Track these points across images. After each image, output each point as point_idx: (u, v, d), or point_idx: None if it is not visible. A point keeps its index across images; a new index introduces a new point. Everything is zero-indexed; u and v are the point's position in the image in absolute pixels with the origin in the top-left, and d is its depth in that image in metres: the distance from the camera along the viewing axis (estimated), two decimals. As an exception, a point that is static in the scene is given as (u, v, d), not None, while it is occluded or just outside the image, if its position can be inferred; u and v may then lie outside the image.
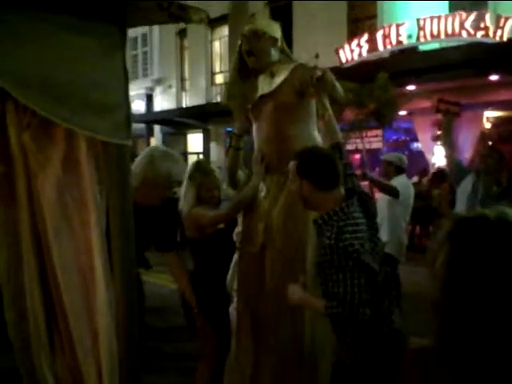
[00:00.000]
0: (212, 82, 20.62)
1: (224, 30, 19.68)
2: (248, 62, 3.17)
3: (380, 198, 5.62)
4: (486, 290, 0.95)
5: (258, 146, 3.25)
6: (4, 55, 1.32)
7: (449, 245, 1.01)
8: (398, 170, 5.34)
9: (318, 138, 3.17)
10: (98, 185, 1.69)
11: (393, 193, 5.20)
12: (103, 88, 1.45)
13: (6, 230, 1.91)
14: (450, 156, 5.53)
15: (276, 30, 3.17)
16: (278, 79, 3.09)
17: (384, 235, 4.64)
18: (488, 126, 13.16)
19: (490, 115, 13.12)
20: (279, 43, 3.19)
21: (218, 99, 19.40)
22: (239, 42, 3.20)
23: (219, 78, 20.42)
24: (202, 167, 3.49)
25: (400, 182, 5.31)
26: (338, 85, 3.00)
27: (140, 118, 22.10)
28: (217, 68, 20.66)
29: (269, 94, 3.11)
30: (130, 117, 1.50)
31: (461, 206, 5.19)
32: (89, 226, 1.72)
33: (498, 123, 13.13)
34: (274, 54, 3.15)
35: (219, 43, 20.22)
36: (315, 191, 2.46)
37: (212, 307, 3.25)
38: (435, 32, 12.09)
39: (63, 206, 1.75)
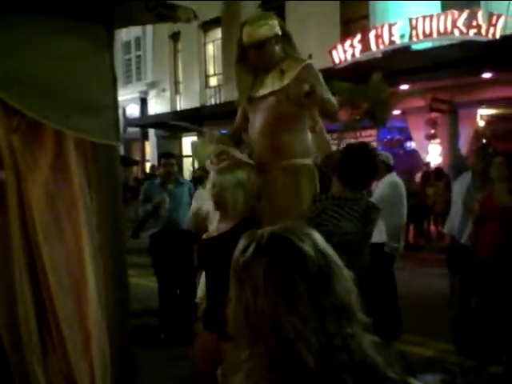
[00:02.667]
0: (206, 85, 20.61)
1: (217, 33, 19.71)
2: (255, 61, 3.12)
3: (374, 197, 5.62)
4: None
5: (250, 141, 3.23)
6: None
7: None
8: (388, 168, 5.36)
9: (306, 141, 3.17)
10: (87, 187, 1.67)
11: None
12: (91, 88, 1.44)
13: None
14: (454, 152, 5.55)
15: (274, 25, 3.07)
16: (288, 77, 3.05)
17: (381, 234, 4.65)
18: (482, 123, 13.19)
19: (483, 113, 13.16)
20: (279, 32, 3.12)
21: (213, 102, 19.40)
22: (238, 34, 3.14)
23: (213, 81, 20.42)
24: None
25: (391, 180, 5.32)
26: (329, 97, 2.99)
27: (134, 122, 22.07)
28: (211, 71, 20.65)
29: (277, 91, 3.07)
30: (118, 118, 1.49)
31: (456, 205, 5.19)
32: (79, 229, 1.70)
33: (491, 121, 13.16)
34: (279, 49, 3.12)
35: (212, 46, 20.23)
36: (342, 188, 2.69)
37: None
38: (428, 31, 12.12)
39: (53, 209, 1.73)
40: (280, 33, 3.11)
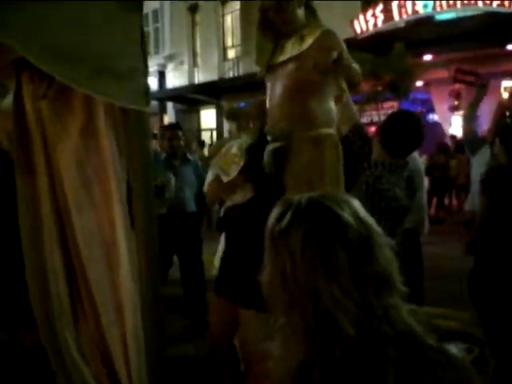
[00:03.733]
0: (224, 57, 20.42)
1: (235, 4, 19.43)
2: (274, 24, 3.07)
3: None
4: None
5: (268, 112, 3.18)
6: (21, 22, 1.29)
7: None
8: None
9: (334, 113, 3.11)
10: (117, 154, 1.66)
11: None
12: (120, 52, 1.41)
13: (26, 201, 1.90)
14: (467, 126, 5.41)
15: None
16: (306, 43, 2.99)
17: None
18: (506, 95, 12.92)
19: (507, 85, 12.87)
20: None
21: (231, 74, 19.24)
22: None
23: (231, 53, 20.21)
24: None
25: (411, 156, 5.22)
26: (354, 66, 2.94)
27: (152, 95, 21.98)
28: (229, 42, 20.42)
29: (295, 57, 3.02)
30: (147, 82, 1.47)
31: (476, 182, 5.08)
32: (110, 197, 1.69)
33: (516, 93, 12.89)
34: (301, 15, 3.06)
35: (231, 17, 19.97)
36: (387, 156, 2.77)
37: None
38: (451, 1, 11.82)
39: (83, 177, 1.72)
40: None
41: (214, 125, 20.61)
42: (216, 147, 3.41)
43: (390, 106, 14.09)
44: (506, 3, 11.11)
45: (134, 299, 1.68)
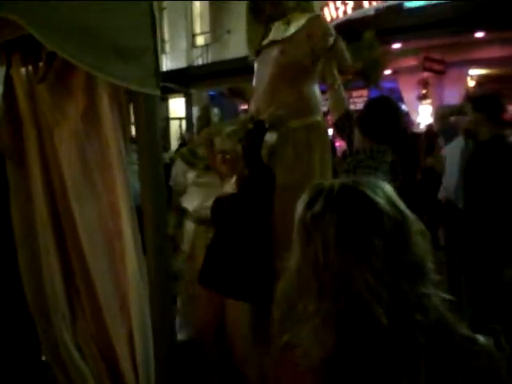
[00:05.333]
0: (193, 44, 20.14)
1: (204, -11, 19.19)
2: (264, 8, 3.03)
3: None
4: None
5: (255, 97, 3.13)
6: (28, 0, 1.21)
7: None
8: None
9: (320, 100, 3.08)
10: (122, 140, 1.59)
11: None
12: (129, 32, 1.34)
13: (18, 193, 1.81)
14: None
15: None
16: (293, 28, 2.95)
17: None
18: (472, 84, 13.13)
19: (474, 73, 13.09)
20: None
21: (200, 62, 19.02)
22: None
23: (200, 40, 19.96)
24: None
25: None
26: (346, 53, 2.92)
27: (119, 83, 21.58)
28: (197, 29, 20.15)
29: (281, 40, 2.98)
30: (158, 65, 1.41)
31: (451, 169, 5.12)
32: (114, 186, 1.62)
33: (482, 81, 13.11)
34: (291, 3, 3.01)
35: (199, 3, 19.68)
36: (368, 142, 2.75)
37: None
38: (421, -12, 11.90)
39: (84, 164, 1.65)
40: None
41: (183, 114, 20.36)
42: (205, 135, 3.34)
43: (360, 95, 14.17)
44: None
45: (140, 292, 1.61)
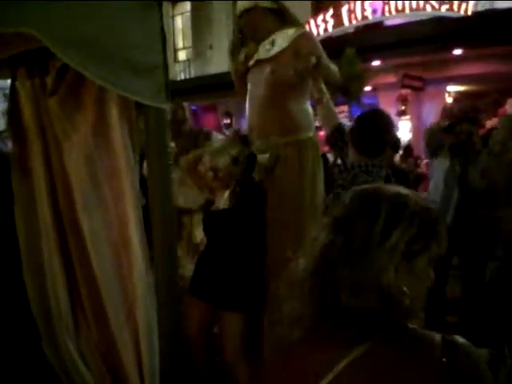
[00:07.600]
0: (175, 59, 20.21)
1: (186, 5, 19.29)
2: (243, 28, 3.13)
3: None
4: None
5: (248, 115, 3.20)
6: (46, 14, 1.25)
7: None
8: None
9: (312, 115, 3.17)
10: (132, 152, 1.63)
11: None
12: (140, 47, 1.38)
13: (22, 203, 1.83)
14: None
15: None
16: (277, 47, 3.03)
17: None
18: (450, 100, 13.42)
19: (452, 90, 13.38)
20: (275, 5, 3.11)
21: (182, 76, 19.09)
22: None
23: (182, 55, 20.04)
24: None
25: None
26: (332, 67, 2.99)
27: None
28: (179, 44, 20.24)
29: (267, 60, 3.05)
30: (167, 79, 1.46)
31: (436, 183, 5.17)
32: (123, 197, 1.65)
33: (459, 98, 13.40)
34: (271, 24, 3.09)
35: (181, 18, 19.80)
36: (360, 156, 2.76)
37: None
38: (400, 7, 12.18)
39: (93, 175, 1.68)
40: (268, 6, 3.07)
41: (164, 127, 20.31)
42: (193, 159, 3.37)
43: (341, 111, 14.35)
44: (455, 7, 11.52)
45: (147, 301, 1.64)
